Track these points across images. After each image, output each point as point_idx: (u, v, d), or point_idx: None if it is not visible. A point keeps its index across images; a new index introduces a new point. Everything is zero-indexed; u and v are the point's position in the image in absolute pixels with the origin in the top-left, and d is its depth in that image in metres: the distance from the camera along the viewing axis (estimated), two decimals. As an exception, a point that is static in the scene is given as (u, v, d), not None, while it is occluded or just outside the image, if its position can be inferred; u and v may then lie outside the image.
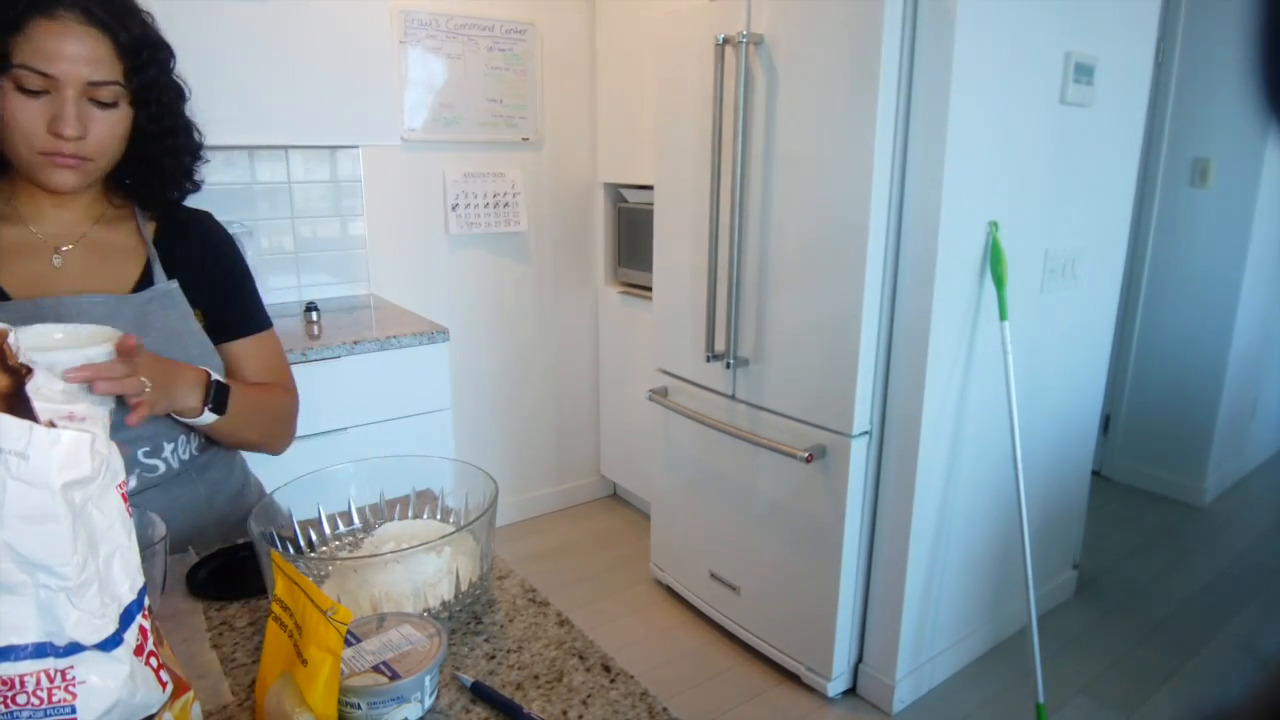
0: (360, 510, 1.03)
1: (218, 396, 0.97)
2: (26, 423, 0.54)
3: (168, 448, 1.02)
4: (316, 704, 0.63)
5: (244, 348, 1.10)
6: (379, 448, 2.08)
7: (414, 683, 0.69)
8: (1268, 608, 2.55)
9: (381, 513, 1.04)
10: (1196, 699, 2.14)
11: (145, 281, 1.01)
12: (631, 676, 0.80)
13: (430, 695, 0.73)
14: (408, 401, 2.16)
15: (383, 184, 2.66)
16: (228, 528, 1.12)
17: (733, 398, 2.22)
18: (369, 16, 2.17)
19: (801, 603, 2.10)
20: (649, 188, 2.65)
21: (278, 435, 1.13)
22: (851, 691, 2.14)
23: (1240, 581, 2.71)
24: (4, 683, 0.54)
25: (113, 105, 0.91)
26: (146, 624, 0.62)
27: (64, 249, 0.97)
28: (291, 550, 0.94)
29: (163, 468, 1.02)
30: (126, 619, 0.59)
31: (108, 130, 0.91)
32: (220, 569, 0.99)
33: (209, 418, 0.97)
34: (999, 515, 2.18)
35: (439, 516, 1.05)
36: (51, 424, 0.57)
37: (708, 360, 2.25)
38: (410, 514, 1.05)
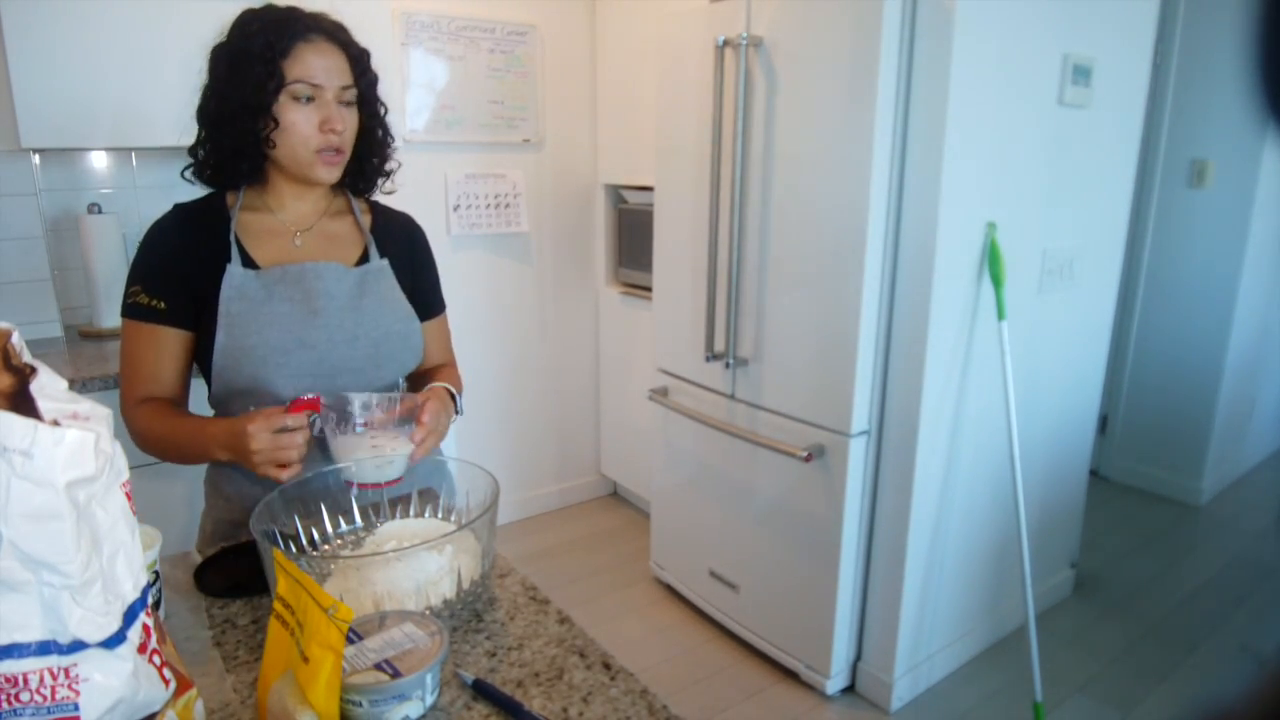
0: (362, 508, 1.04)
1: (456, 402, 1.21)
2: (31, 421, 0.54)
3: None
4: (318, 702, 0.64)
5: (430, 326, 1.32)
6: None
7: (415, 680, 0.70)
8: (1264, 607, 2.56)
9: (383, 511, 1.04)
10: (1194, 698, 2.14)
11: (364, 261, 1.21)
12: (631, 674, 0.80)
13: (431, 693, 0.73)
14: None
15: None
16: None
17: (732, 397, 2.22)
18: (370, 18, 2.17)
19: (800, 601, 2.10)
20: (649, 189, 2.65)
21: None
22: (850, 689, 2.14)
23: (1237, 581, 2.72)
24: (8, 680, 0.55)
25: (351, 105, 1.12)
26: (150, 622, 0.62)
27: (302, 233, 1.18)
28: (294, 548, 0.95)
29: None
30: (130, 617, 0.59)
31: (352, 126, 1.13)
32: (223, 567, 0.99)
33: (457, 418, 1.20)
34: (997, 514, 2.18)
35: (440, 515, 1.06)
36: (56, 423, 0.57)
37: (707, 360, 2.25)
38: (412, 513, 1.05)
